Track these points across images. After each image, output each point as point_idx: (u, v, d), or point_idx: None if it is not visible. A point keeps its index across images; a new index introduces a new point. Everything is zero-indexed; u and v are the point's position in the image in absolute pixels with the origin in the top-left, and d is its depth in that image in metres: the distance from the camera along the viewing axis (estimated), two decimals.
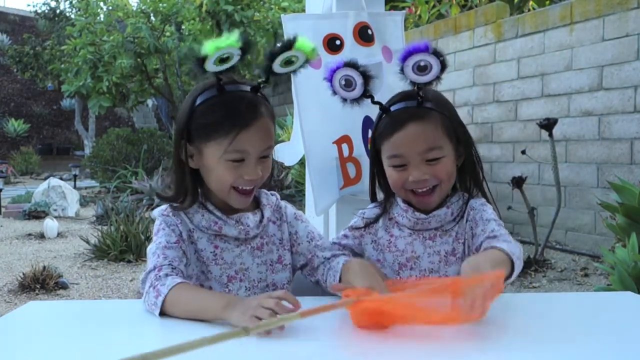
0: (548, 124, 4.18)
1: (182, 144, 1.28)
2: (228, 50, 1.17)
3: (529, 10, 6.14)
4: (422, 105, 1.32)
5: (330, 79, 1.38)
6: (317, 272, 1.33)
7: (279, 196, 1.42)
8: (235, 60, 1.20)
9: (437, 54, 1.30)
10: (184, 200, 1.31)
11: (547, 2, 6.06)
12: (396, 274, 1.36)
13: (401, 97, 1.36)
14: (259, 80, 1.29)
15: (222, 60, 1.18)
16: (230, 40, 1.17)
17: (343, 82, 1.36)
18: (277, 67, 1.25)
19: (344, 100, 1.38)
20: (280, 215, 1.39)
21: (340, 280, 1.25)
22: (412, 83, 1.32)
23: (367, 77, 1.34)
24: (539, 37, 5.20)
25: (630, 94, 4.47)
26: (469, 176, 1.38)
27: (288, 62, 1.26)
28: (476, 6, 6.58)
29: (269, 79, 1.28)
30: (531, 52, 5.28)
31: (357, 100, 1.38)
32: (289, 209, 1.41)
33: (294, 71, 1.29)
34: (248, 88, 1.28)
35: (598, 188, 4.68)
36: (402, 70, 1.32)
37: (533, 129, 5.12)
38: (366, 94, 1.35)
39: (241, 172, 1.24)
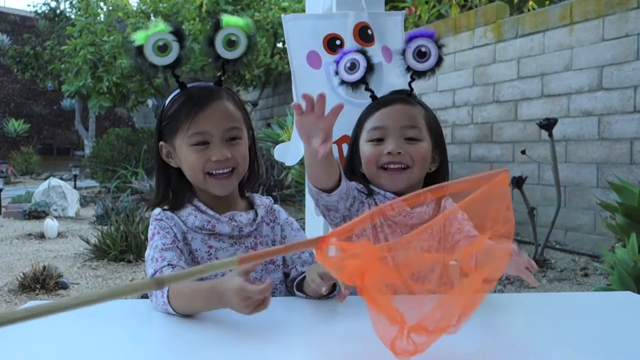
0: (548, 124, 4.18)
1: (159, 145, 1.32)
2: (160, 36, 1.22)
3: (528, 10, 6.15)
4: (410, 96, 1.43)
5: (338, 60, 1.45)
6: (293, 284, 1.32)
7: (272, 199, 1.43)
8: (175, 50, 1.24)
9: (438, 43, 1.41)
10: (173, 202, 1.32)
11: (547, 2, 6.06)
12: None
13: (392, 92, 1.47)
14: (218, 74, 1.32)
15: (160, 49, 1.22)
16: (158, 27, 1.22)
17: (348, 65, 1.44)
18: (222, 51, 1.28)
19: (341, 82, 1.45)
20: (274, 217, 1.39)
21: (302, 281, 1.26)
22: (408, 69, 1.42)
23: (370, 64, 1.42)
24: (539, 37, 5.20)
25: (630, 94, 4.47)
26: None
27: (230, 44, 1.28)
28: (476, 6, 6.58)
29: (225, 68, 1.31)
30: (531, 52, 5.28)
31: (353, 85, 1.44)
32: (282, 213, 1.42)
33: (246, 54, 1.30)
34: (212, 84, 1.33)
35: (598, 188, 4.68)
36: (403, 54, 1.41)
37: (533, 129, 5.12)
38: (365, 79, 1.42)
39: (208, 154, 1.26)
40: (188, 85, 1.31)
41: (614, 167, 4.58)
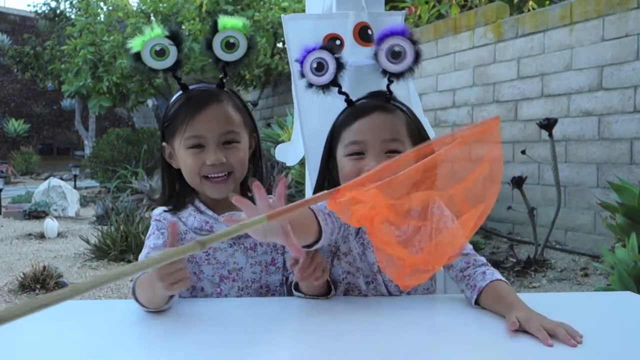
0: (548, 124, 4.18)
1: (162, 145, 1.33)
2: (156, 42, 1.23)
3: (528, 10, 6.15)
4: (389, 101, 1.31)
5: (302, 60, 1.32)
6: (291, 287, 1.31)
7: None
8: (173, 54, 1.24)
9: (413, 40, 1.28)
10: (175, 202, 1.34)
11: (547, 2, 6.07)
12: (372, 277, 1.31)
13: (369, 94, 1.35)
14: (220, 76, 1.31)
15: (158, 53, 1.23)
16: (154, 32, 1.22)
17: (315, 65, 1.30)
18: (221, 53, 1.27)
19: (310, 85, 1.32)
20: None
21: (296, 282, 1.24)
22: (384, 72, 1.29)
23: (340, 64, 1.30)
24: (539, 37, 5.20)
25: (630, 94, 4.47)
26: None
27: (229, 46, 1.26)
28: (476, 6, 6.57)
29: (226, 71, 1.30)
30: (531, 52, 5.28)
31: (324, 88, 1.31)
32: None
33: (247, 56, 1.28)
34: (214, 86, 1.32)
35: (598, 188, 4.68)
36: (375, 56, 1.28)
37: (533, 129, 5.12)
38: (335, 82, 1.30)
39: (203, 158, 1.26)
40: (190, 87, 1.31)
41: (614, 167, 4.58)
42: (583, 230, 4.88)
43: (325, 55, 1.30)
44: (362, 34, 1.69)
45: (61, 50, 12.19)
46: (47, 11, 16.14)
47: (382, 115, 1.26)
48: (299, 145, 1.72)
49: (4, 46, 18.64)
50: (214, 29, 1.26)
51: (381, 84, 1.49)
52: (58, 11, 15.75)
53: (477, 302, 1.17)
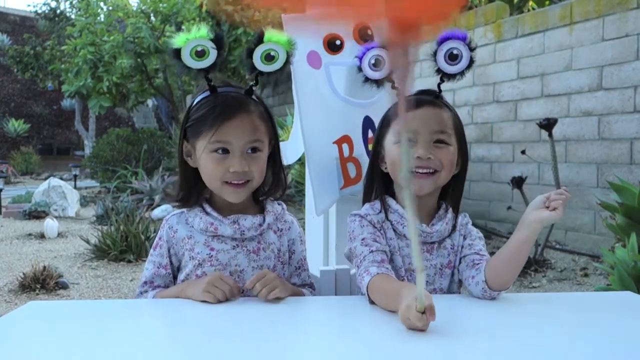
0: (548, 124, 4.17)
1: (181, 142, 1.34)
2: (199, 42, 1.22)
3: (528, 10, 6.15)
4: (438, 98, 1.38)
5: (361, 56, 1.45)
6: None
7: (285, 206, 1.43)
8: (212, 56, 1.24)
9: (471, 47, 1.37)
10: (189, 199, 1.35)
11: (547, 2, 6.07)
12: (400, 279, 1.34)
13: (419, 91, 1.42)
14: (251, 83, 1.31)
15: (198, 54, 1.22)
16: (200, 33, 1.22)
17: (372, 61, 1.44)
18: (259, 64, 1.27)
19: (366, 80, 1.46)
20: (285, 227, 1.40)
21: None
22: (438, 71, 1.38)
23: None
24: (539, 37, 5.21)
25: (630, 94, 4.47)
26: (457, 190, 1.40)
27: (269, 58, 1.27)
28: (476, 6, 6.57)
29: (258, 80, 1.31)
30: (531, 52, 5.28)
31: (378, 82, 1.44)
32: (295, 226, 1.43)
33: (282, 69, 1.29)
34: (242, 91, 1.32)
35: (598, 188, 4.68)
36: (434, 55, 1.38)
37: (533, 129, 5.12)
38: (390, 76, 1.42)
39: (227, 164, 1.27)
40: (219, 90, 1.30)
41: (614, 167, 4.58)
42: (583, 230, 4.88)
43: (383, 53, 1.43)
44: (362, 34, 1.69)
45: (61, 50, 12.20)
46: (47, 11, 16.14)
47: (432, 109, 1.35)
48: (297, 144, 1.72)
49: (4, 46, 18.65)
50: (259, 41, 1.26)
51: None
52: (58, 11, 15.76)
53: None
